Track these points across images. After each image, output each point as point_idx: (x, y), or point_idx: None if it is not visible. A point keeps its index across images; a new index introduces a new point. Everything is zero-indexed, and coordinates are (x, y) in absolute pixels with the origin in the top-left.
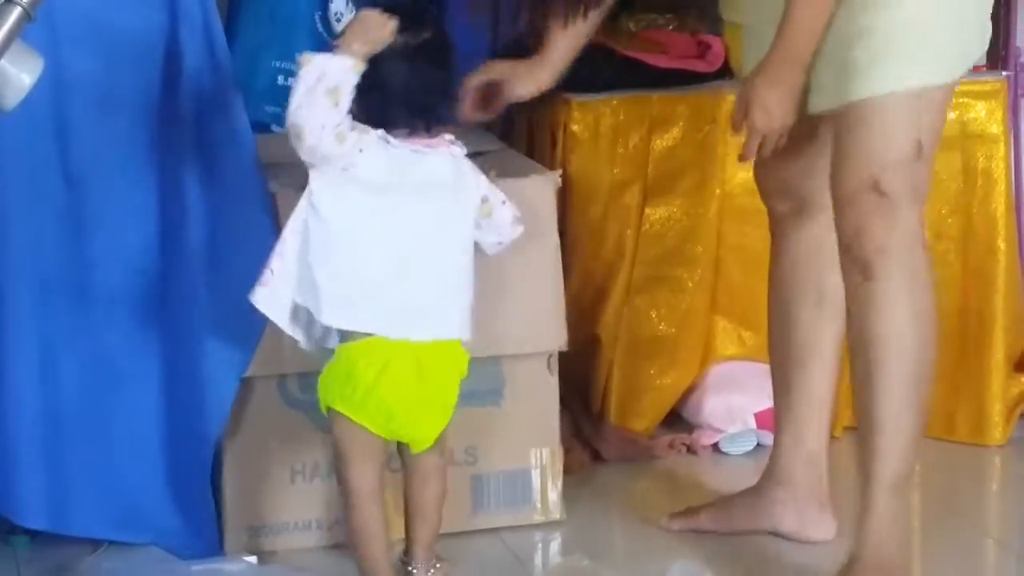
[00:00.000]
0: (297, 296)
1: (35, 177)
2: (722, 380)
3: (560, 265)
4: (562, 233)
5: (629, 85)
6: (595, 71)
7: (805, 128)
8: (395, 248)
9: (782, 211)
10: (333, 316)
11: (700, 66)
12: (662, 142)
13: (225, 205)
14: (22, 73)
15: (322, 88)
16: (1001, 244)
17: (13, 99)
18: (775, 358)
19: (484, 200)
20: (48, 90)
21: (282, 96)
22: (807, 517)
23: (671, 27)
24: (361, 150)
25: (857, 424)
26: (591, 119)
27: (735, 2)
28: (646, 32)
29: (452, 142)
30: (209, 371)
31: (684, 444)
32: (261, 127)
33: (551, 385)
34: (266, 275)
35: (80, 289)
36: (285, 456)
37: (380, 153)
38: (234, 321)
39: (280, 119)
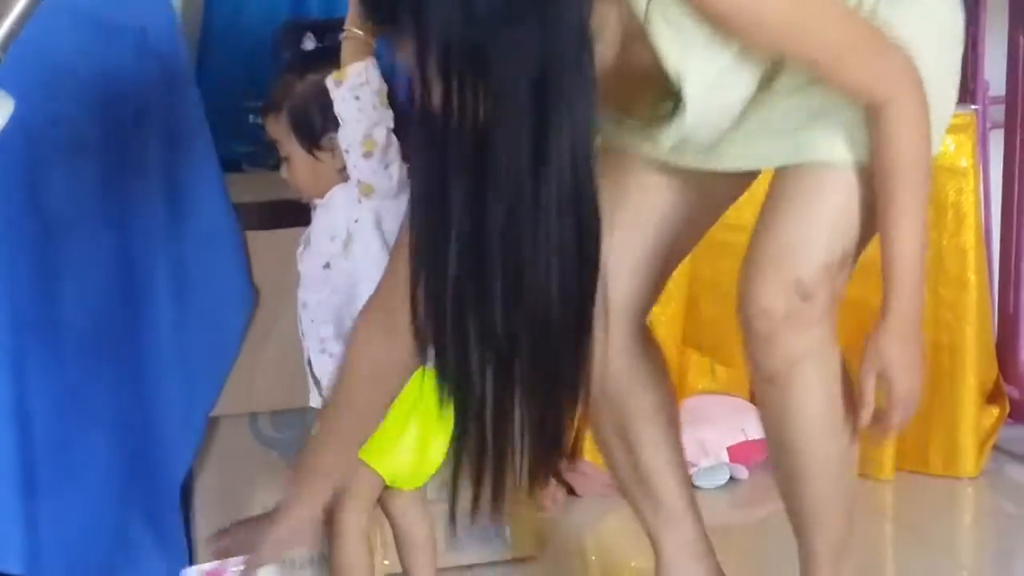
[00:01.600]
0: None
1: (6, 218)
2: (694, 414)
3: None
4: None
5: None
6: None
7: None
8: None
9: None
10: None
11: None
12: None
13: (195, 244)
14: None
15: (370, 92)
16: (971, 277)
17: None
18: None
19: None
20: (18, 133)
21: (252, 135)
22: None
23: None
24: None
25: (789, 515)
26: None
27: None
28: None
29: None
30: (176, 411)
31: None
32: (232, 166)
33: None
34: None
35: (51, 331)
36: (257, 495)
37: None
38: (201, 360)
39: (251, 157)
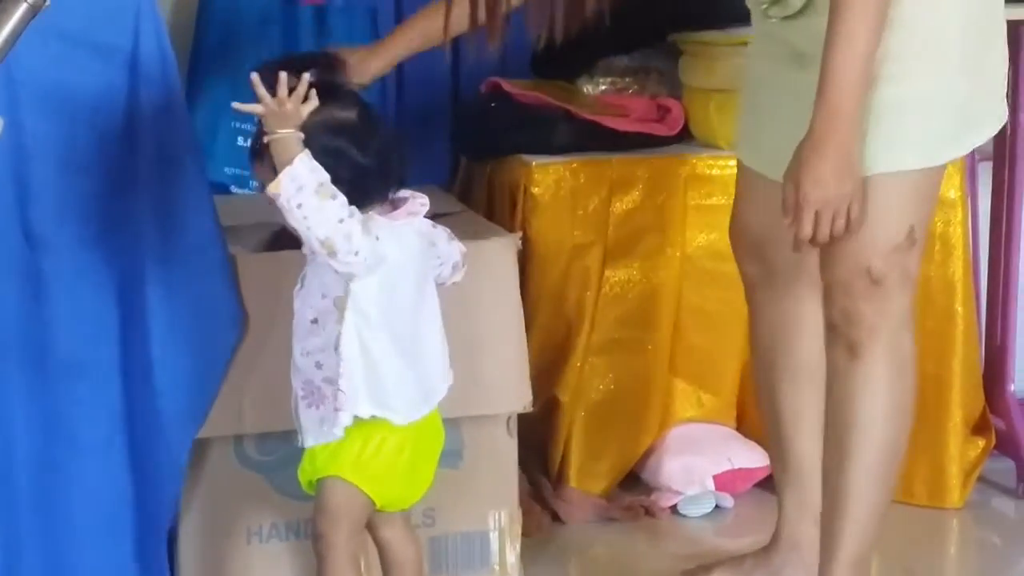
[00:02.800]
0: (373, 409)
1: None
2: (681, 442)
3: (521, 327)
4: (522, 295)
5: (589, 148)
6: (555, 134)
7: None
8: (410, 328)
9: (753, 276)
10: (408, 413)
11: (660, 129)
12: (622, 205)
13: (183, 266)
14: None
15: (309, 194)
16: (959, 308)
17: None
18: (766, 426)
19: (433, 245)
20: (8, 151)
21: (242, 157)
22: None
23: (631, 91)
24: (378, 237)
25: (823, 500)
26: (551, 181)
27: (696, 66)
28: (605, 95)
29: (418, 204)
30: (163, 434)
31: (643, 506)
32: (221, 189)
33: (510, 447)
34: (341, 399)
35: (38, 352)
36: (241, 518)
37: (387, 232)
38: (189, 383)
39: (240, 180)
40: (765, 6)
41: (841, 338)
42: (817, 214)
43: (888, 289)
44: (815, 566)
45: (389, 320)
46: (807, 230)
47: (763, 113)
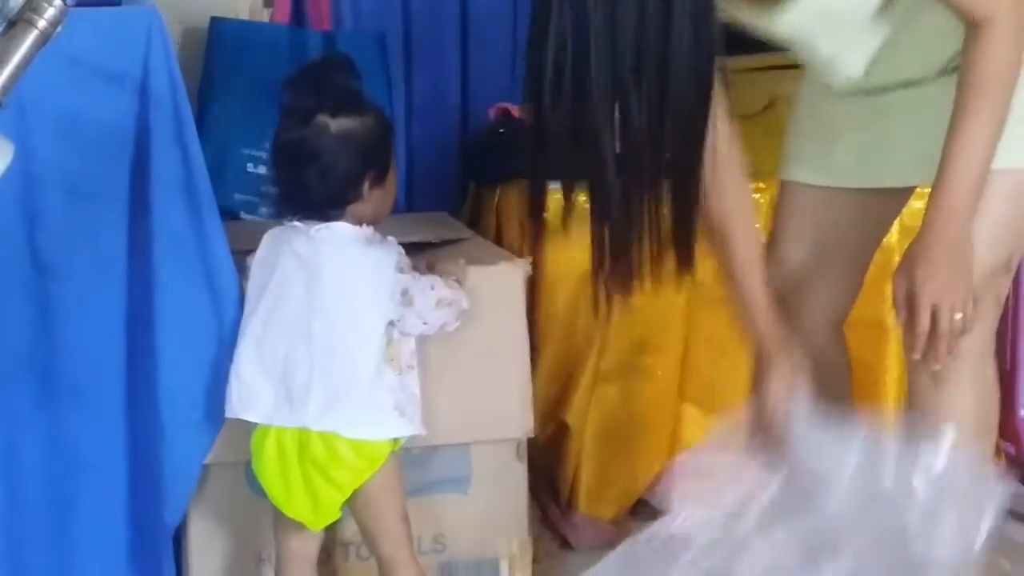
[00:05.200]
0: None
1: (4, 263)
2: (690, 468)
3: (528, 353)
4: (532, 321)
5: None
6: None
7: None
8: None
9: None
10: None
11: None
12: None
13: (192, 292)
14: None
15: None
16: None
17: None
18: None
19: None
20: (18, 176)
21: (252, 183)
22: None
23: None
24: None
25: None
26: (561, 207)
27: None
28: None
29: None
30: (170, 458)
31: None
32: (230, 214)
33: (519, 473)
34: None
35: (45, 376)
36: (251, 543)
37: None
38: (196, 409)
39: (250, 206)
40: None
41: (923, 363)
42: (935, 309)
43: (979, 313)
44: None
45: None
46: (925, 323)
47: (839, 121)
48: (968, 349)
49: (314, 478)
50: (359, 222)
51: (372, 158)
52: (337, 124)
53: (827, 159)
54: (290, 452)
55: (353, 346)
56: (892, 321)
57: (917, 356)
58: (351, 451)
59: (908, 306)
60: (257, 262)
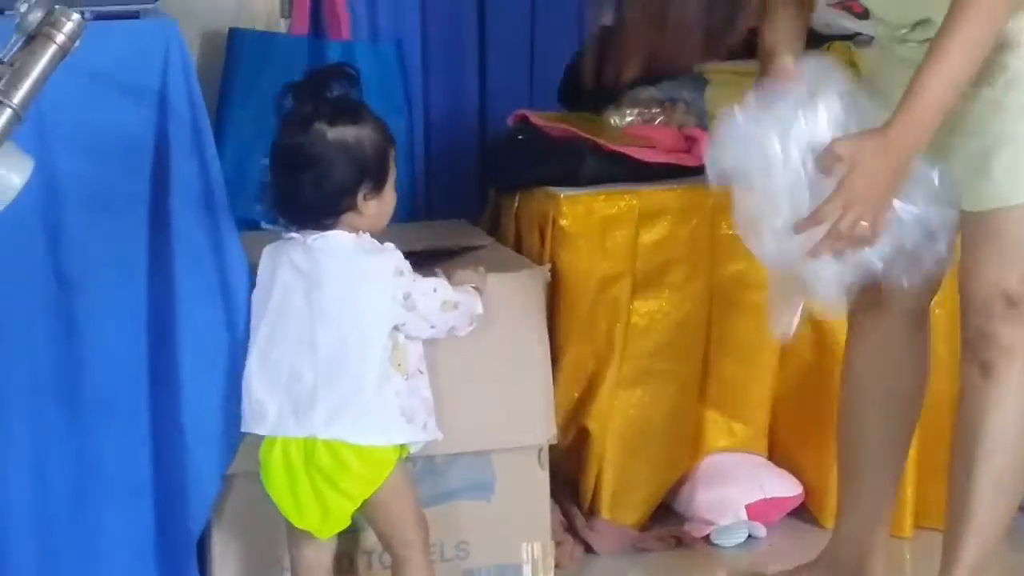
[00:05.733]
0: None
1: (27, 278)
2: (713, 472)
3: (548, 359)
4: (552, 327)
5: (616, 179)
6: (582, 166)
7: None
8: None
9: (859, 303)
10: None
11: (687, 160)
12: (650, 236)
13: (211, 304)
14: (12, 174)
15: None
16: None
17: (3, 200)
18: (844, 452)
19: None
20: (38, 190)
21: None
22: None
23: (657, 121)
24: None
25: (948, 508)
26: (579, 213)
27: (725, 96)
28: (632, 127)
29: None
30: (193, 469)
31: (675, 537)
32: (249, 225)
33: (542, 479)
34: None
35: (70, 390)
36: (272, 550)
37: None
38: (217, 421)
39: (269, 216)
40: (905, 31)
41: (976, 356)
42: (848, 205)
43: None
44: None
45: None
46: (835, 215)
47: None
48: (1018, 347)
49: (322, 488)
50: (355, 231)
51: (368, 169)
52: (334, 132)
53: None
54: (297, 462)
55: (357, 353)
56: (938, 312)
57: (798, 232)
58: (358, 459)
59: (835, 187)
60: (259, 276)
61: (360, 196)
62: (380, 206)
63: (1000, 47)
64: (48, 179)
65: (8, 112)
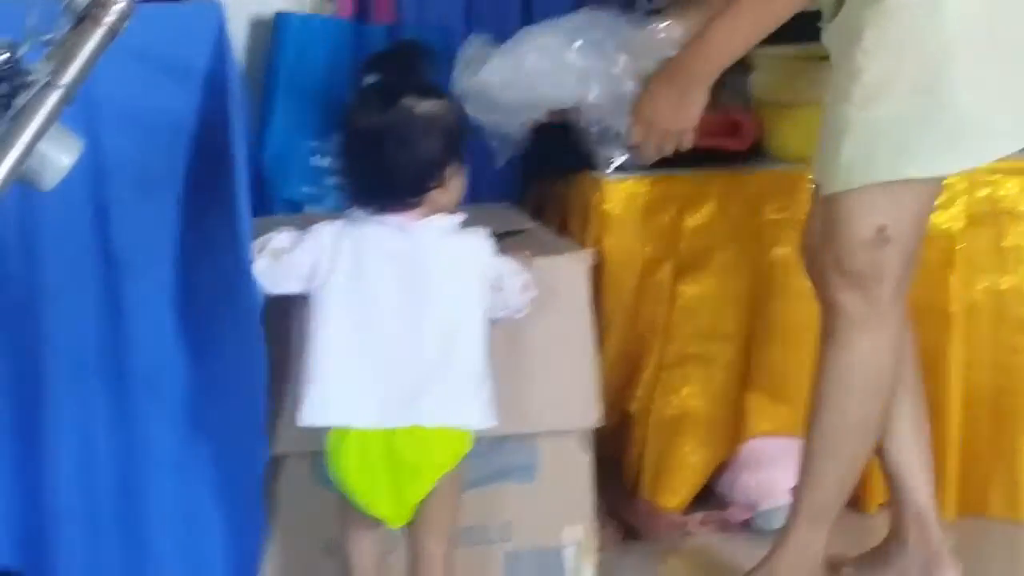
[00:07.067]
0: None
1: (74, 256)
2: (756, 456)
3: (594, 342)
4: (596, 311)
5: (660, 164)
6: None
7: None
8: None
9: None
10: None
11: (731, 144)
12: (694, 220)
13: (250, 286)
14: (61, 154)
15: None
16: None
17: (52, 180)
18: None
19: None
20: (86, 170)
21: (316, 176)
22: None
23: None
24: None
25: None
26: (623, 198)
27: (771, 81)
28: None
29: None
30: (239, 447)
31: (718, 520)
32: (294, 207)
33: (585, 462)
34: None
35: (118, 371)
36: (319, 532)
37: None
38: (264, 398)
39: (314, 199)
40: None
41: (824, 324)
42: (645, 125)
43: (858, 281)
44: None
45: None
46: (637, 139)
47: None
48: (859, 315)
49: (402, 476)
50: (434, 211)
51: (453, 144)
52: (424, 106)
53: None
54: (374, 453)
55: (462, 337)
56: (955, 309)
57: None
58: (440, 444)
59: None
60: (318, 262)
61: (447, 172)
62: (459, 183)
63: (850, 40)
64: (96, 159)
65: (58, 93)
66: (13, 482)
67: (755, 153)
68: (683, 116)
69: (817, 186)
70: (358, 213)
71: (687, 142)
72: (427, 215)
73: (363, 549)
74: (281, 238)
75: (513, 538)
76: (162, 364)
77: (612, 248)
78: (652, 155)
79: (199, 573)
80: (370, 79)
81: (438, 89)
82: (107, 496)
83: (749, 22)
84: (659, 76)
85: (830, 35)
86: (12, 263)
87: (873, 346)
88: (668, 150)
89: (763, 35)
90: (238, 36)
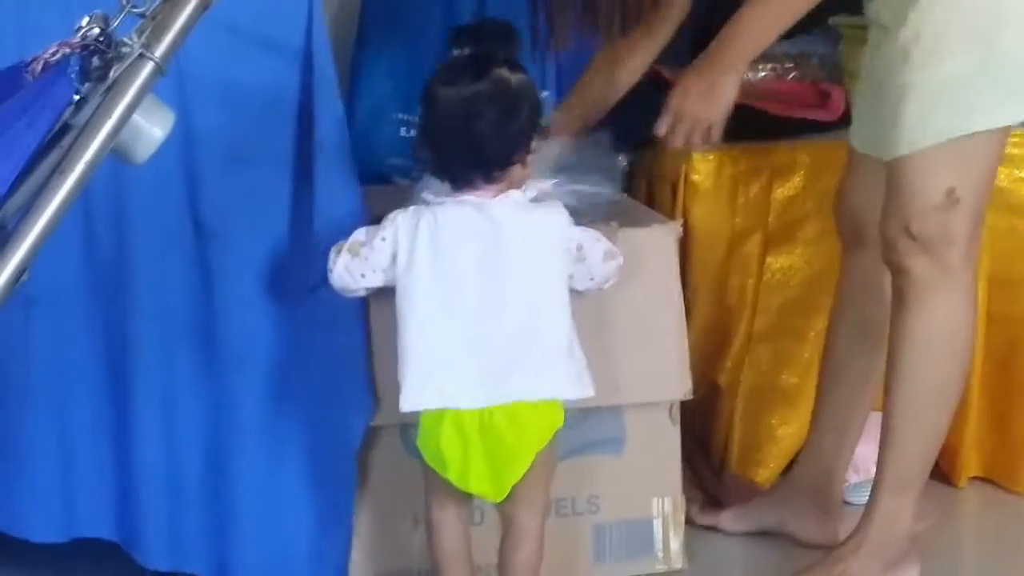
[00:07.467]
0: None
1: (165, 228)
2: None
3: (683, 314)
4: (684, 282)
5: (749, 135)
6: None
7: (871, 162)
8: None
9: (845, 240)
10: None
11: (821, 115)
12: (783, 191)
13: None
14: (154, 127)
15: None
16: None
17: (145, 152)
18: (819, 375)
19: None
20: (178, 143)
21: (405, 147)
22: (813, 521)
23: (791, 76)
24: None
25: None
26: (711, 169)
27: (858, 51)
28: (765, 81)
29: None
30: (331, 422)
31: None
32: (383, 179)
33: (673, 434)
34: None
35: (206, 340)
36: (407, 504)
37: None
38: (356, 368)
39: (402, 171)
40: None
41: (896, 291)
42: (676, 117)
43: (927, 245)
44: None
45: None
46: (661, 128)
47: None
48: (930, 280)
49: (499, 453)
50: (511, 186)
51: (536, 120)
52: (516, 78)
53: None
54: (471, 432)
55: (549, 309)
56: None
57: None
58: (537, 416)
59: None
60: (403, 249)
61: (532, 144)
62: (532, 162)
63: (903, 3)
64: (187, 131)
65: (151, 65)
66: (109, 454)
67: (844, 124)
68: (713, 107)
69: (858, 155)
70: (429, 195)
71: (716, 133)
72: (503, 191)
73: (449, 522)
74: (356, 233)
75: (601, 510)
76: (253, 335)
77: (700, 219)
78: (681, 146)
79: (286, 546)
80: (459, 51)
81: (522, 65)
82: (195, 467)
83: (777, 8)
84: (690, 69)
85: (877, 5)
86: (105, 234)
87: (947, 311)
88: (697, 142)
89: (793, 20)
90: (328, 7)
